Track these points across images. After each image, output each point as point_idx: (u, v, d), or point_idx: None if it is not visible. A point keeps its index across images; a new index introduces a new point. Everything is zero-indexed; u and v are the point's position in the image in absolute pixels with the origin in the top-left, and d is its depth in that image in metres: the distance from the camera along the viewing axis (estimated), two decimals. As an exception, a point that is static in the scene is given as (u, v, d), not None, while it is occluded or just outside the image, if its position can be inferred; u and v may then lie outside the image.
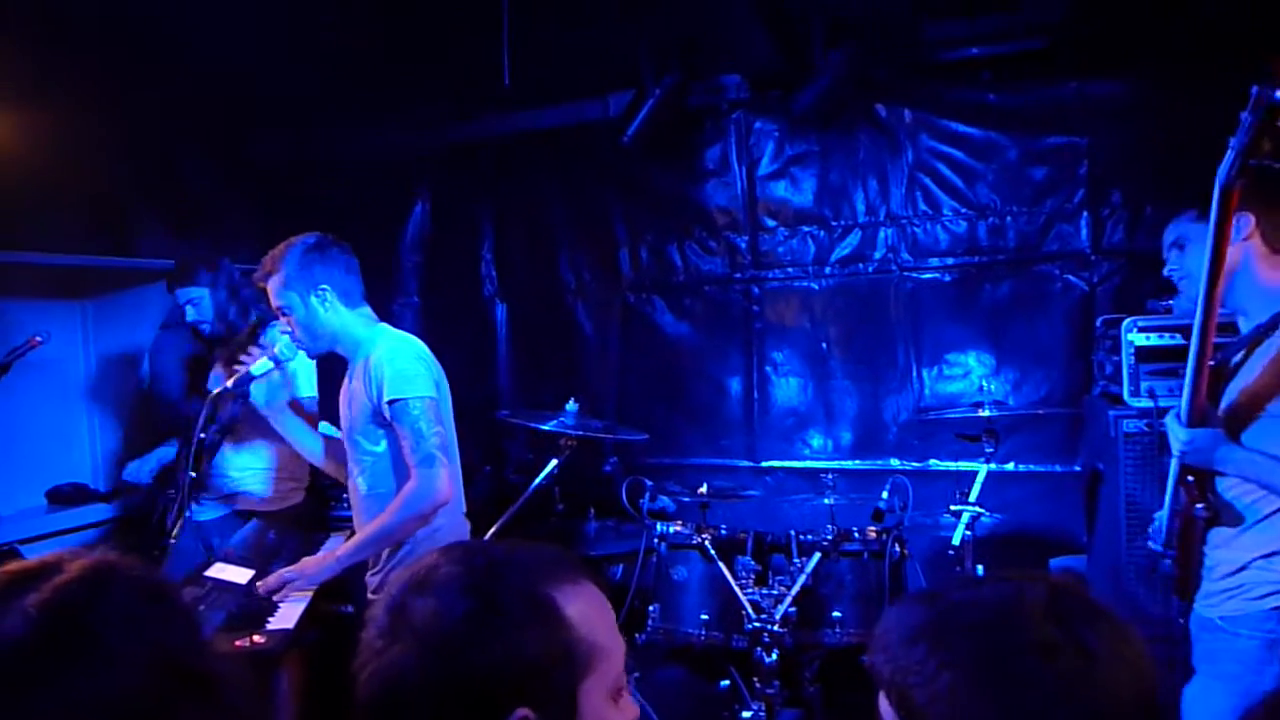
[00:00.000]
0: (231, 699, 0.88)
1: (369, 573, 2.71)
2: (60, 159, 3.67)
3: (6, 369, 3.41)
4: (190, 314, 3.38)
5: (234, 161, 4.82)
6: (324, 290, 2.59)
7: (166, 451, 3.64)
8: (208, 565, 2.80)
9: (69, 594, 0.84)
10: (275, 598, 2.59)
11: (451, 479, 2.53)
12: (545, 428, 3.36)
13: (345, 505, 3.05)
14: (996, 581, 0.96)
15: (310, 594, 2.72)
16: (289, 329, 2.64)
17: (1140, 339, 3.04)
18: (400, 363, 2.54)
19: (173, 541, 3.11)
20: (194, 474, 3.10)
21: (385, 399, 2.50)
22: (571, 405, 3.43)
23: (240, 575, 2.69)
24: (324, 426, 3.63)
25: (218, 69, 3.73)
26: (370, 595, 2.70)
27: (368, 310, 2.71)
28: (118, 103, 3.82)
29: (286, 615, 2.61)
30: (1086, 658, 0.86)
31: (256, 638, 2.39)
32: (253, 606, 2.60)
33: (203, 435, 3.12)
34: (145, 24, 3.29)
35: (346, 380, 2.71)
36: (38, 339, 3.41)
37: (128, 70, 3.63)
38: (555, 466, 3.30)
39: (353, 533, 2.82)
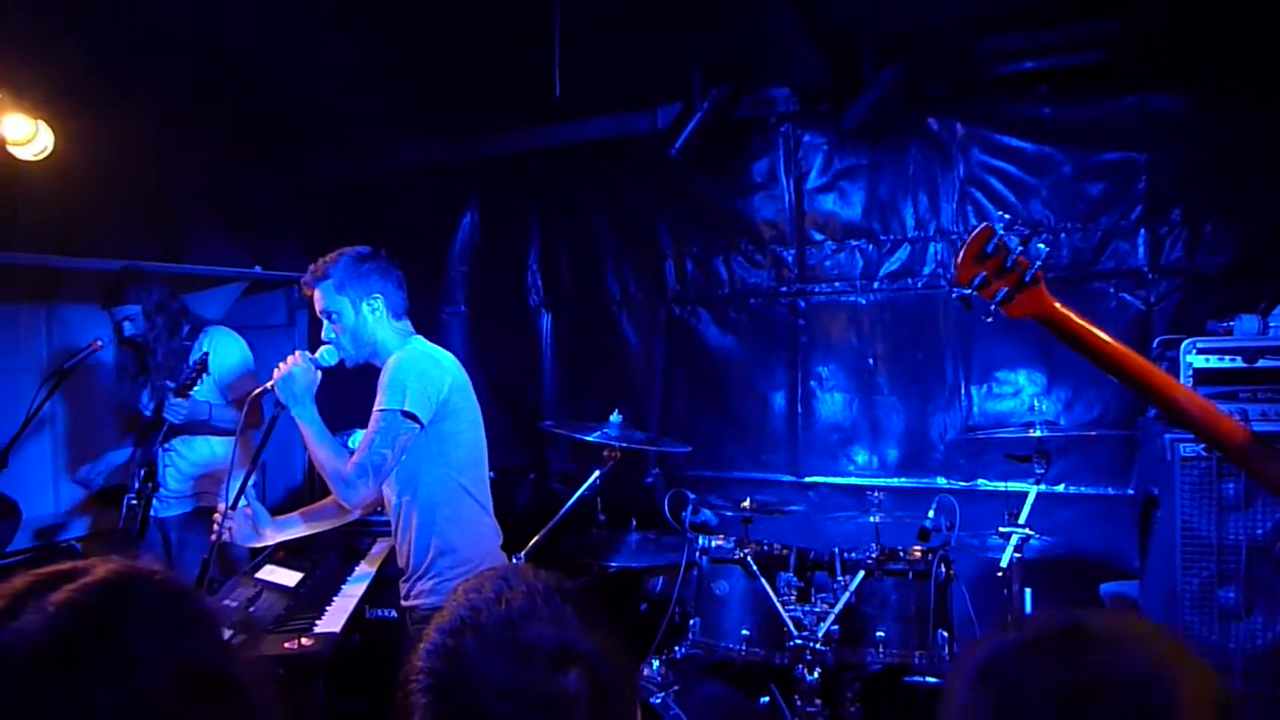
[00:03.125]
0: (253, 705, 0.87)
1: (400, 578, 2.71)
2: (121, 170, 3.79)
3: (69, 373, 3.53)
4: (128, 329, 3.58)
5: (289, 175, 4.94)
6: (376, 299, 2.63)
7: (117, 455, 3.77)
8: (258, 567, 2.86)
9: (91, 595, 0.82)
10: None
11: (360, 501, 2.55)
12: (589, 438, 3.37)
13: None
14: (1028, 623, 1.00)
15: (356, 600, 2.75)
16: (333, 337, 2.66)
17: (1199, 360, 2.97)
18: (395, 373, 2.52)
19: (137, 542, 3.33)
20: (152, 483, 3.33)
21: (375, 406, 2.51)
22: (615, 416, 3.44)
23: (290, 578, 2.74)
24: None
25: (277, 85, 3.83)
26: (401, 601, 2.70)
27: (408, 324, 2.74)
28: (178, 117, 3.93)
29: (333, 619, 2.65)
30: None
31: (304, 640, 2.43)
32: (301, 609, 2.64)
33: (163, 446, 3.46)
34: (206, 44, 3.40)
35: None
36: (98, 343, 3.53)
37: (188, 86, 3.74)
38: (598, 477, 3.31)
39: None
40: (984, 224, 1.68)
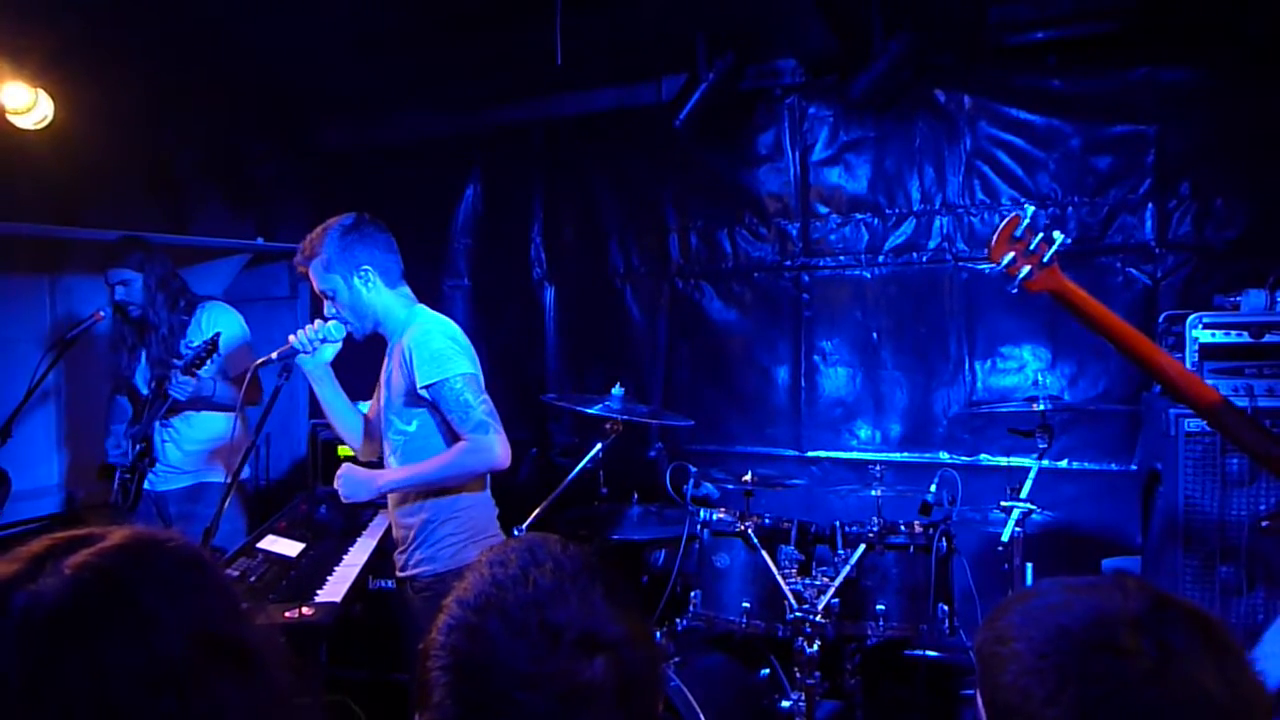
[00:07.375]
0: (267, 671, 0.87)
1: (395, 551, 2.73)
2: (122, 140, 3.77)
3: (72, 344, 3.53)
4: (119, 293, 3.50)
5: (290, 146, 4.91)
6: (366, 270, 2.62)
7: (120, 427, 3.78)
8: (259, 537, 2.87)
9: (107, 559, 0.82)
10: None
11: (505, 450, 2.53)
12: (591, 411, 3.36)
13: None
14: (1095, 590, 0.97)
15: (358, 569, 2.76)
16: (335, 312, 2.67)
17: (1205, 335, 2.95)
18: (432, 344, 2.54)
19: (129, 514, 3.34)
20: (148, 459, 3.38)
21: (421, 384, 2.51)
22: (618, 390, 3.43)
23: (291, 548, 2.75)
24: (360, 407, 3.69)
25: (278, 55, 3.80)
26: (398, 573, 2.72)
27: (407, 290, 2.73)
28: (179, 86, 3.90)
29: (334, 589, 2.66)
30: (1163, 662, 0.87)
31: (305, 609, 2.44)
32: (302, 579, 2.66)
33: (159, 422, 3.47)
34: (206, 12, 3.38)
35: (386, 360, 2.74)
36: (100, 314, 3.53)
37: (188, 55, 3.70)
38: (600, 450, 3.30)
39: None
40: (1014, 212, 2.08)
